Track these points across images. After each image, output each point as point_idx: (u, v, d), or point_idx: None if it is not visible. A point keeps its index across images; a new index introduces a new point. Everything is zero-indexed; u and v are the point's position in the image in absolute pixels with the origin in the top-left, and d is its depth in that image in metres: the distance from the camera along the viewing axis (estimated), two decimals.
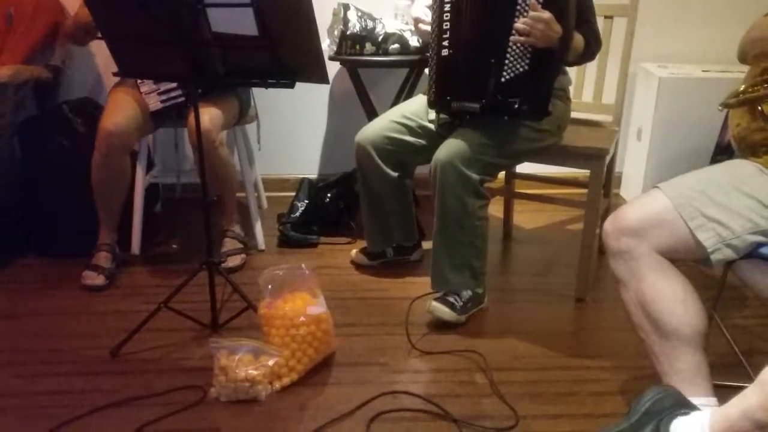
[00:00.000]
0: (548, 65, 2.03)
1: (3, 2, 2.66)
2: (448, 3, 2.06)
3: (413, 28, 2.74)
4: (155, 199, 3.01)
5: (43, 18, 2.70)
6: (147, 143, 2.66)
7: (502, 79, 2.04)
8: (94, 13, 1.92)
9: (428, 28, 2.17)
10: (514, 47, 2.00)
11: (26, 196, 2.65)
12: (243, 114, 2.69)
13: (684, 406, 1.41)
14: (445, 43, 2.09)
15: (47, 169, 2.61)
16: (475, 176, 2.11)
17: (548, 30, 1.93)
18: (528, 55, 2.01)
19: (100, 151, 2.36)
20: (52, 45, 2.74)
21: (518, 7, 1.97)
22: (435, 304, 2.19)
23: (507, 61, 2.02)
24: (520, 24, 1.94)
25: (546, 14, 1.92)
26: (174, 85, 2.44)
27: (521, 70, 2.02)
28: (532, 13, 1.92)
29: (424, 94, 2.28)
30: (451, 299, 2.20)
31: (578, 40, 2.12)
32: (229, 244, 2.61)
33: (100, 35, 1.96)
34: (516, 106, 2.05)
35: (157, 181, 2.98)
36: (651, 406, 1.42)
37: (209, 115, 2.34)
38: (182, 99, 2.45)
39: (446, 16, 2.07)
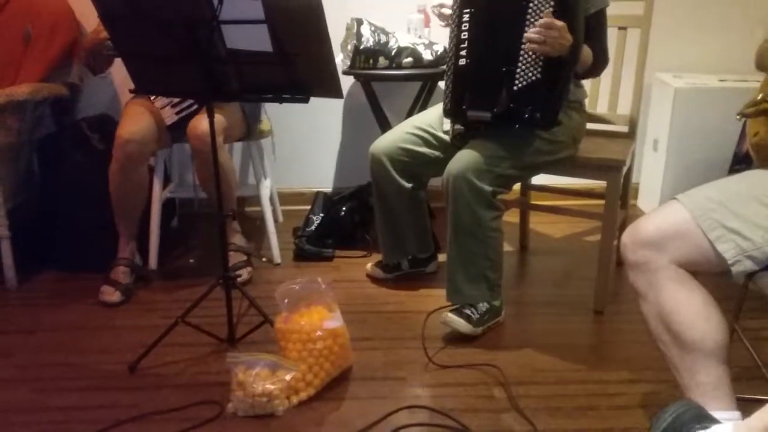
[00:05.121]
0: (560, 74, 2.04)
1: (21, 20, 2.70)
2: (466, 13, 2.07)
3: (426, 42, 2.76)
4: (172, 214, 3.03)
5: (60, 36, 2.73)
6: (164, 158, 2.68)
7: (515, 88, 2.04)
8: (111, 31, 1.94)
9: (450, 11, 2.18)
10: (526, 56, 2.01)
11: (45, 212, 2.67)
12: (251, 128, 2.69)
13: (704, 421, 1.39)
14: (463, 53, 2.10)
15: (65, 185, 2.64)
16: (487, 188, 2.10)
17: (561, 38, 1.94)
18: (540, 64, 2.01)
19: (117, 160, 2.38)
20: (70, 62, 2.78)
21: (528, 16, 1.98)
22: (451, 315, 2.18)
23: (519, 70, 2.03)
24: (532, 33, 1.94)
25: (559, 22, 1.92)
26: None
27: (533, 78, 2.03)
28: (544, 20, 1.92)
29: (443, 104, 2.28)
30: (467, 311, 2.19)
31: (587, 53, 2.13)
32: (233, 257, 2.58)
33: (114, 53, 1.98)
34: (527, 115, 2.05)
35: (173, 195, 3.00)
36: (672, 422, 1.40)
37: (208, 121, 2.33)
38: (195, 108, 2.46)
39: (464, 26, 2.08)
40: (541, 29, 1.93)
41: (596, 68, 2.23)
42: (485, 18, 2.07)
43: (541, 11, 1.96)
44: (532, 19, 1.98)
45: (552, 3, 1.96)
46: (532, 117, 2.06)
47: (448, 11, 2.22)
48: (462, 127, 2.25)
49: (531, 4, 1.98)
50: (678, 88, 2.99)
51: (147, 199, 2.54)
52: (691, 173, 2.91)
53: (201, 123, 2.27)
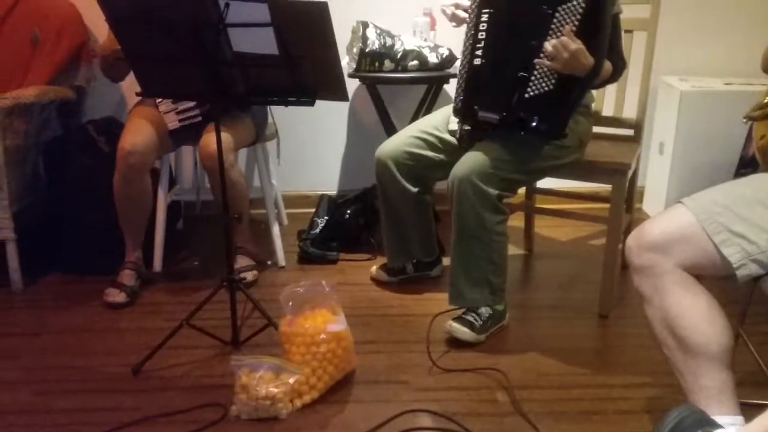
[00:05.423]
0: (572, 88, 2.01)
1: (28, 24, 2.71)
2: (485, 13, 2.06)
3: (431, 45, 2.76)
4: (177, 216, 3.04)
5: (67, 39, 2.75)
6: (168, 161, 2.69)
7: (526, 95, 2.03)
8: (117, 33, 1.95)
9: (465, 15, 2.16)
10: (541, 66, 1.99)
11: (51, 215, 2.68)
12: (260, 134, 2.70)
13: (706, 425, 1.39)
14: (479, 52, 2.08)
15: (71, 187, 2.65)
16: (492, 191, 2.09)
17: (573, 60, 1.90)
18: (554, 76, 1.99)
19: (119, 171, 2.39)
20: (77, 65, 2.80)
21: (552, 26, 1.94)
22: (454, 324, 2.17)
23: (533, 78, 2.01)
24: (548, 45, 1.92)
25: (574, 45, 1.89)
26: (192, 104, 2.47)
27: (545, 89, 2.01)
28: (561, 38, 1.90)
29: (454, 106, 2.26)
30: (470, 318, 2.18)
31: (606, 68, 2.08)
32: (241, 260, 2.61)
33: (124, 56, 1.99)
34: (534, 123, 2.04)
35: (178, 198, 3.01)
36: (674, 427, 1.39)
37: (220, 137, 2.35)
38: (200, 119, 2.47)
39: (482, 26, 2.07)
40: (557, 44, 1.90)
41: (613, 78, 2.19)
42: (505, 20, 2.04)
43: (566, 24, 1.92)
44: (556, 30, 1.94)
45: (577, 19, 1.91)
46: (538, 127, 2.04)
47: (461, 13, 2.20)
48: (469, 128, 2.24)
49: (557, 14, 1.93)
50: (684, 92, 2.98)
51: (152, 206, 2.55)
52: (696, 177, 2.90)
53: (212, 142, 2.25)
